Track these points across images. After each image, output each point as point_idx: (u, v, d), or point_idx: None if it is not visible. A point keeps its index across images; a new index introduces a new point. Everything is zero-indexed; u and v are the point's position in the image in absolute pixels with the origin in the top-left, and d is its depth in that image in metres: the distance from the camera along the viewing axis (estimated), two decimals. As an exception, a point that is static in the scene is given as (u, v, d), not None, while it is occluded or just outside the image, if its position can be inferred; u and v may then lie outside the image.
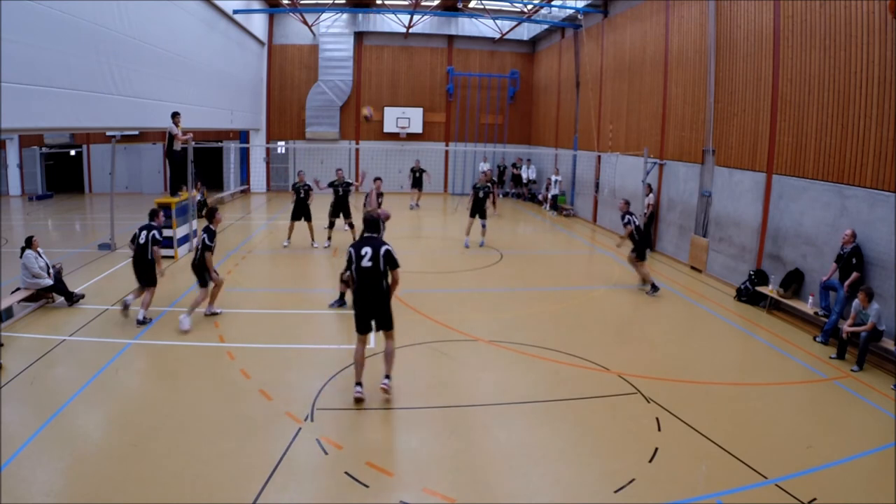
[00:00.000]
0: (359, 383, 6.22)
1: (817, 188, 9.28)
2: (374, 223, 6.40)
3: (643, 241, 10.96)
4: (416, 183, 21.45)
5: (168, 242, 12.39)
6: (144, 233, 8.76)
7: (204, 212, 8.79)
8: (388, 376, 6.31)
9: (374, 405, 6.34)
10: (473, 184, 14.78)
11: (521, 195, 24.59)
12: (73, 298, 9.13)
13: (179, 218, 12.63)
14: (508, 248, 14.45)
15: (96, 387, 6.43)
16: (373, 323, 6.27)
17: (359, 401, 6.13)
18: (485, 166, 25.34)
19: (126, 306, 8.60)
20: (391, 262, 6.12)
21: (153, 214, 9.07)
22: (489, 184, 14.54)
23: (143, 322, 8.41)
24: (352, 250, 6.18)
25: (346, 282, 7.33)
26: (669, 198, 14.18)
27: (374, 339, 8.12)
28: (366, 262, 6.08)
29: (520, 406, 6.29)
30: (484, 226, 14.27)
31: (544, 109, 24.68)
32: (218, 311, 8.95)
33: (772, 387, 7.02)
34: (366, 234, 6.38)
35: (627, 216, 11.03)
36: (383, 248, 6.12)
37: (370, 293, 6.15)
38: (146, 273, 8.71)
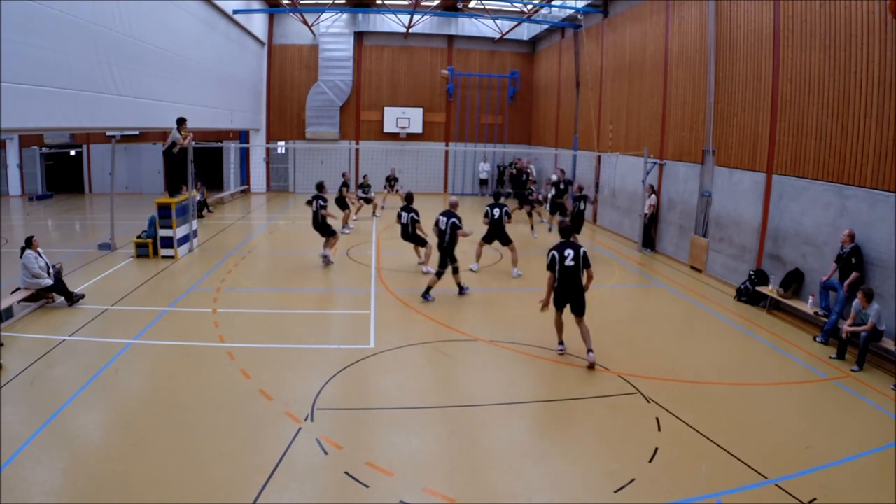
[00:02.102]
0: (561, 342, 7.73)
1: (817, 188, 9.28)
2: (568, 230, 7.69)
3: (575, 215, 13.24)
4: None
5: (169, 242, 12.46)
6: (316, 201, 11.92)
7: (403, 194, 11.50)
8: (590, 350, 7.33)
9: (374, 405, 6.35)
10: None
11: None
12: (73, 298, 9.13)
13: (179, 218, 12.62)
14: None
15: (96, 387, 6.43)
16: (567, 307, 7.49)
17: (561, 353, 7.66)
18: (485, 166, 25.37)
19: (325, 258, 11.98)
20: (587, 261, 7.37)
21: (320, 187, 12.22)
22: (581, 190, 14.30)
23: (328, 260, 11.96)
24: (555, 253, 7.35)
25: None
26: (669, 198, 14.18)
27: (374, 338, 8.15)
28: (569, 262, 7.33)
29: (520, 406, 6.30)
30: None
31: (544, 109, 24.68)
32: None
33: (772, 387, 7.02)
34: (562, 240, 7.54)
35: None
36: (581, 250, 7.41)
37: (572, 286, 7.38)
38: (324, 229, 12.02)
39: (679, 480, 4.98)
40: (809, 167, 9.47)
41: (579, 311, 7.42)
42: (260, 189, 24.82)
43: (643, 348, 8.17)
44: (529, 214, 16.37)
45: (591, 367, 7.23)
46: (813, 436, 5.82)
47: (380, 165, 23.01)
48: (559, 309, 7.58)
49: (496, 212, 11.47)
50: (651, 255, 14.52)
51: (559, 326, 7.72)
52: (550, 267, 7.36)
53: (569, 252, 7.39)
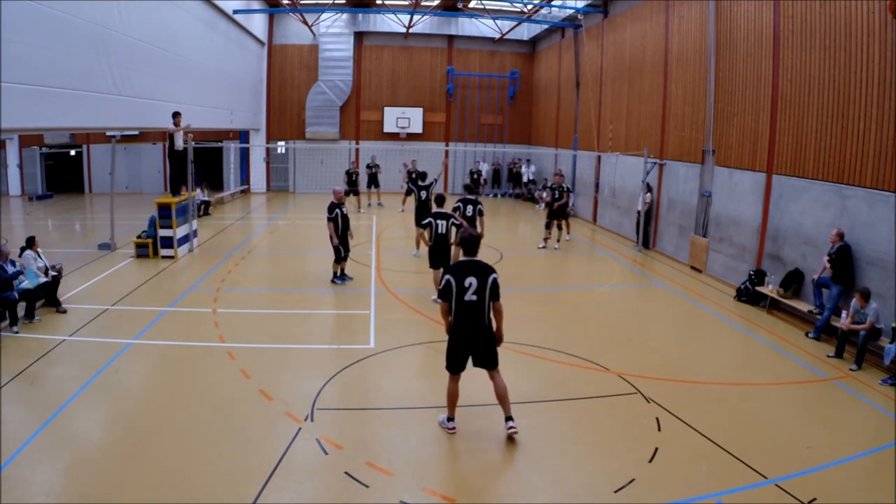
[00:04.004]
0: (451, 418, 5.67)
1: (817, 188, 9.28)
2: (474, 243, 5.50)
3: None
4: (372, 180, 20.77)
5: (169, 242, 12.46)
6: (337, 210, 10.56)
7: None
8: (510, 417, 5.54)
9: (375, 405, 6.35)
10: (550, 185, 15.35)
11: (520, 195, 24.59)
12: (58, 305, 8.89)
13: (179, 218, 12.62)
14: (508, 248, 14.45)
15: (96, 387, 6.43)
16: (469, 360, 5.56)
17: (452, 431, 5.63)
18: (484, 166, 25.34)
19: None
20: (495, 293, 5.35)
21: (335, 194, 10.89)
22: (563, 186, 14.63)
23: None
24: (452, 279, 5.29)
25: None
26: (669, 198, 14.18)
27: (374, 338, 8.15)
28: (470, 296, 5.29)
29: (520, 406, 6.28)
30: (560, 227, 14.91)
31: (544, 109, 24.68)
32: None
33: (772, 387, 7.02)
34: (465, 259, 5.45)
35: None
36: (491, 278, 5.32)
37: (474, 329, 5.39)
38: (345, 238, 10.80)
39: (679, 480, 4.98)
40: (809, 167, 9.47)
41: (489, 364, 5.52)
42: (260, 189, 24.82)
43: (643, 348, 8.17)
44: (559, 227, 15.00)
45: (511, 438, 5.50)
46: (813, 436, 5.82)
47: (381, 164, 22.97)
48: (454, 368, 5.53)
49: (423, 194, 12.75)
50: (645, 252, 14.54)
51: (453, 397, 5.61)
52: (444, 295, 5.37)
53: (471, 281, 5.28)
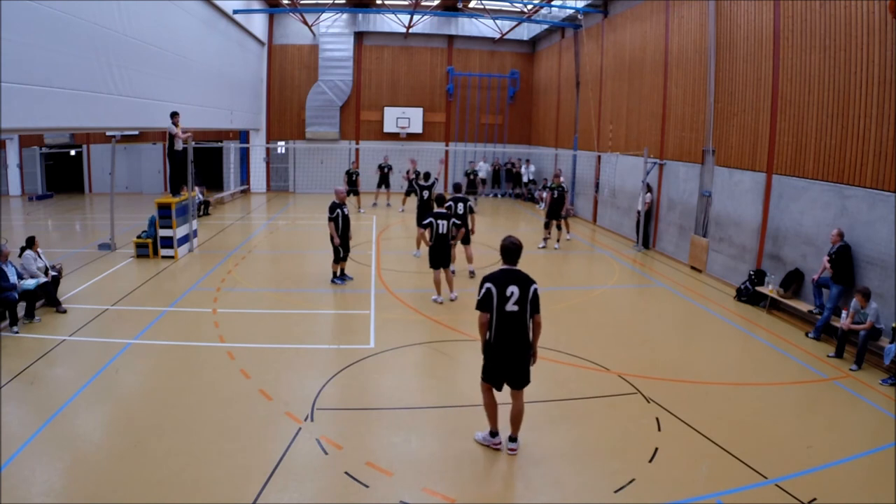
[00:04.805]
0: (495, 433, 5.41)
1: (817, 188, 9.28)
2: (515, 252, 5.19)
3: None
4: (384, 180, 20.92)
5: (169, 242, 12.46)
6: (339, 210, 10.50)
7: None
8: (514, 438, 5.32)
9: (374, 405, 6.35)
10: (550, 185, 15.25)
11: (520, 195, 24.59)
12: (58, 305, 8.88)
13: (179, 218, 12.62)
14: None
15: (96, 387, 6.43)
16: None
17: (497, 448, 5.36)
18: (484, 166, 25.35)
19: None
20: (536, 305, 5.10)
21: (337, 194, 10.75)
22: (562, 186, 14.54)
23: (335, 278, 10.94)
24: (492, 287, 5.01)
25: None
26: (669, 198, 14.18)
27: (374, 338, 8.15)
28: (511, 306, 5.01)
29: (520, 406, 6.30)
30: (559, 228, 14.88)
31: (544, 109, 24.68)
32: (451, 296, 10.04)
33: (772, 387, 7.02)
34: (505, 267, 5.19)
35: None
36: (532, 289, 5.07)
37: (514, 343, 5.09)
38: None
39: (679, 480, 4.98)
40: (809, 167, 9.47)
41: (520, 383, 5.20)
42: (260, 189, 24.82)
43: (643, 348, 8.17)
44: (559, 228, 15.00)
45: (513, 452, 5.30)
46: (813, 436, 5.83)
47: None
48: (493, 381, 5.25)
49: (425, 193, 13.03)
50: (645, 252, 14.54)
51: (492, 409, 5.38)
52: (484, 306, 5.06)
53: (512, 289, 5.01)
